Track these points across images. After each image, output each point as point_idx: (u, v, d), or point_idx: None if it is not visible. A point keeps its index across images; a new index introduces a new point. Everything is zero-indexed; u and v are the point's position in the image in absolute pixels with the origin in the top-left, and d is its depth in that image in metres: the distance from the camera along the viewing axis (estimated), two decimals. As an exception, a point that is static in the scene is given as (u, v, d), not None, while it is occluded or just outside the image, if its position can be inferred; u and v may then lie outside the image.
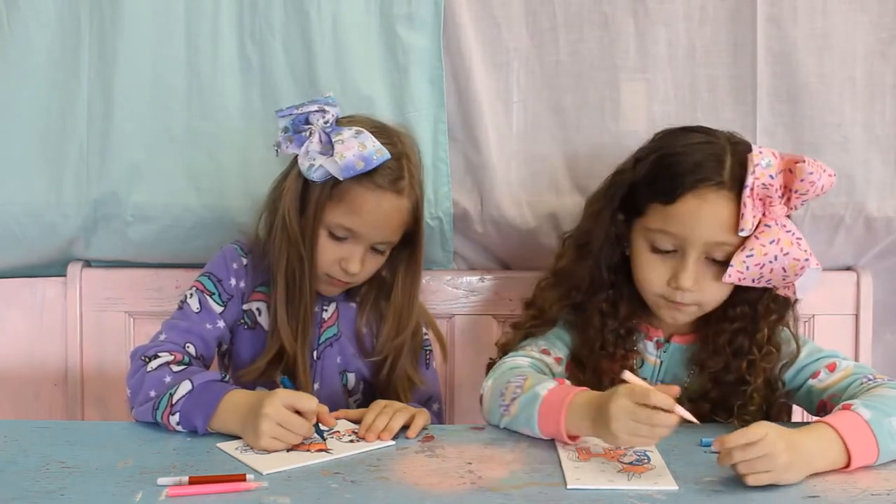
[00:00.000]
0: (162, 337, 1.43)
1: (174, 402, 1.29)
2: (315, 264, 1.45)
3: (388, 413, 1.32)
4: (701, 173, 1.30)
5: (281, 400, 1.24)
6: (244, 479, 1.14)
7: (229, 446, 1.26)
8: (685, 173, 1.31)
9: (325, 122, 1.41)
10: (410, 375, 1.54)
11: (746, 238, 1.30)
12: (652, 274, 1.36)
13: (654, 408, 1.15)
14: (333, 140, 1.39)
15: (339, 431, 1.31)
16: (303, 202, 1.44)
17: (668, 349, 1.45)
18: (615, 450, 1.25)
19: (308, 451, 1.25)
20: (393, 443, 1.29)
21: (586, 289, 1.43)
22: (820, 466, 1.17)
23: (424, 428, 1.34)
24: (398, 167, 1.44)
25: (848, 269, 1.80)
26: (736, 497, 1.12)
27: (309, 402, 1.26)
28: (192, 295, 1.48)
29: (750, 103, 1.69)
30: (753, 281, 1.33)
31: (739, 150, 1.32)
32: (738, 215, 1.29)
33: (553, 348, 1.46)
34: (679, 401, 1.17)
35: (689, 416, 1.17)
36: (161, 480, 1.14)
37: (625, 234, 1.40)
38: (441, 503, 1.11)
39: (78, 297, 1.79)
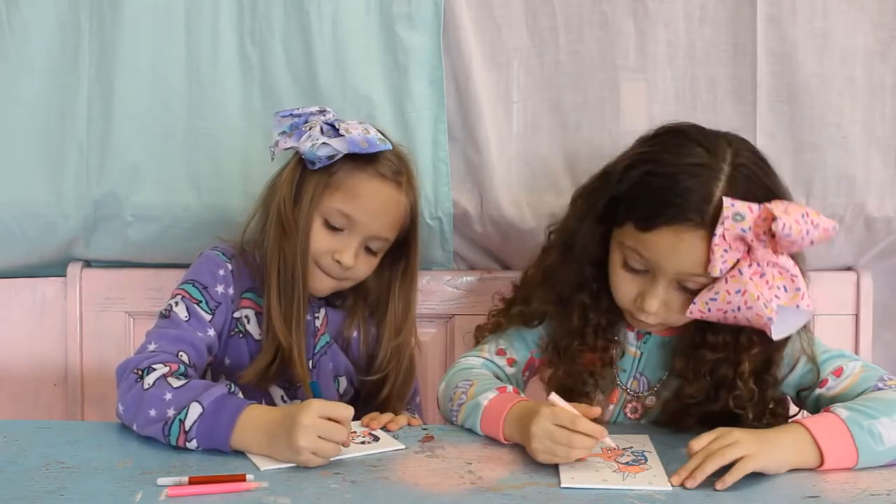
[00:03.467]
0: (152, 347, 1.35)
1: (187, 428, 1.23)
2: (308, 258, 1.42)
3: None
4: (681, 209, 1.21)
5: (317, 410, 1.19)
6: (244, 480, 1.14)
7: (262, 462, 1.21)
8: (666, 204, 1.22)
9: (326, 119, 1.43)
10: (401, 398, 1.54)
11: (717, 278, 1.22)
12: (622, 288, 1.32)
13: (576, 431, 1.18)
14: (338, 126, 1.40)
15: (354, 432, 1.31)
16: (298, 193, 1.42)
17: (648, 341, 1.42)
18: (613, 450, 1.25)
19: None
20: (403, 446, 1.29)
21: (571, 286, 1.40)
22: (794, 460, 1.18)
23: (425, 429, 1.34)
24: (399, 163, 1.46)
25: (848, 269, 1.80)
26: (735, 497, 1.12)
27: (346, 410, 1.22)
28: (177, 303, 1.41)
29: (750, 103, 1.69)
30: (718, 320, 1.26)
31: (736, 179, 1.22)
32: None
33: (510, 349, 1.46)
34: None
35: (613, 444, 1.22)
36: (161, 480, 1.14)
37: (607, 236, 1.35)
38: (441, 503, 1.11)
39: (78, 297, 1.79)
